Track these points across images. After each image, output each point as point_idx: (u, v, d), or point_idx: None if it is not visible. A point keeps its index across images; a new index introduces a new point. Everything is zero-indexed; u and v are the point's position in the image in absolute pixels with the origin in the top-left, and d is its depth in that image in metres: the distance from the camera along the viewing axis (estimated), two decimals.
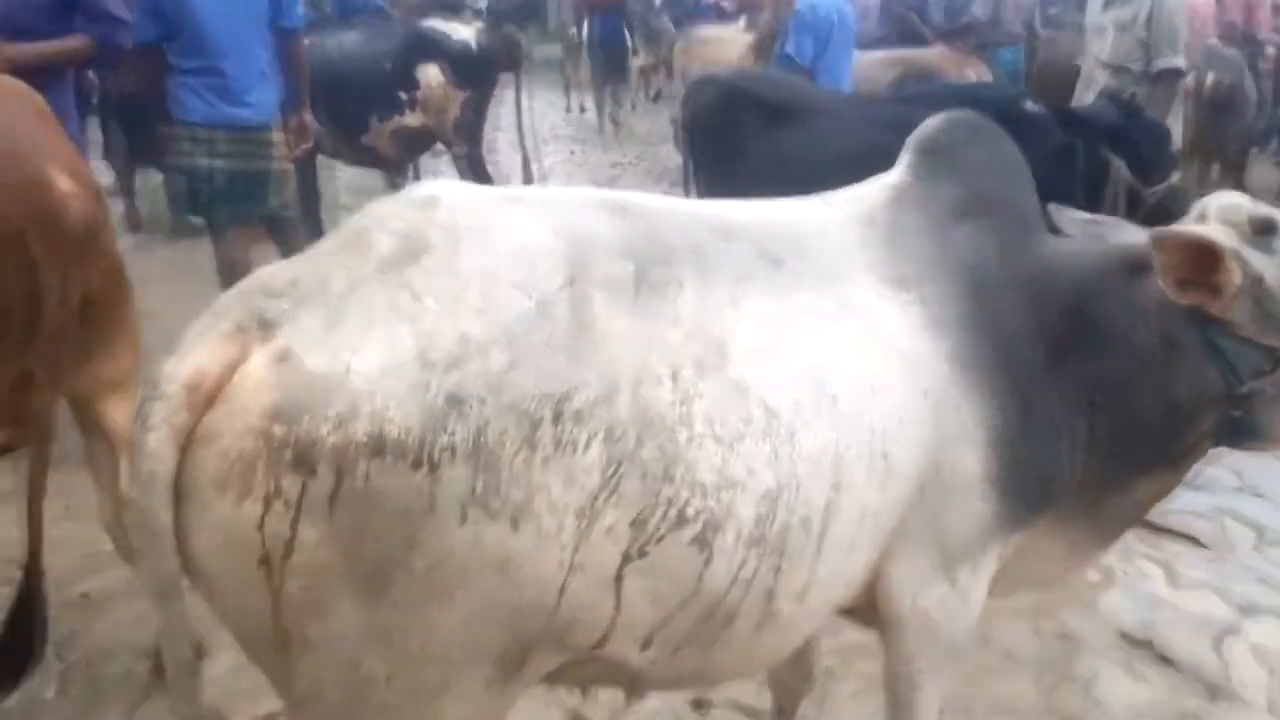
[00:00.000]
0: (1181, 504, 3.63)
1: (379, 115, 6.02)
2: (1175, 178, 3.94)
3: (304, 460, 1.13)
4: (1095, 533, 1.89)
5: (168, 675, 1.30)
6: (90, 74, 5.51)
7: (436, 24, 6.31)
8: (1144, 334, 1.72)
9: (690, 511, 1.31)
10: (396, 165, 6.41)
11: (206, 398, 1.16)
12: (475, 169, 6.16)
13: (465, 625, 1.23)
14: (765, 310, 1.47)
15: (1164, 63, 4.58)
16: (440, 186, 1.41)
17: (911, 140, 1.82)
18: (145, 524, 1.17)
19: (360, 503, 1.14)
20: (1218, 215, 1.71)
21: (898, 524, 1.57)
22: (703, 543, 1.33)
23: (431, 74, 6.03)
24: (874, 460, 1.49)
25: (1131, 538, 3.39)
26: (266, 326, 1.19)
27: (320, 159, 6.18)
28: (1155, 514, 3.39)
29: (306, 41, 4.68)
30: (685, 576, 1.34)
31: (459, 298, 1.22)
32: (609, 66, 12.83)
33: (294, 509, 1.14)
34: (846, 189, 1.79)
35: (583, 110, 14.42)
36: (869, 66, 7.27)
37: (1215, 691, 2.67)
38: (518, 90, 6.93)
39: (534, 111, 14.05)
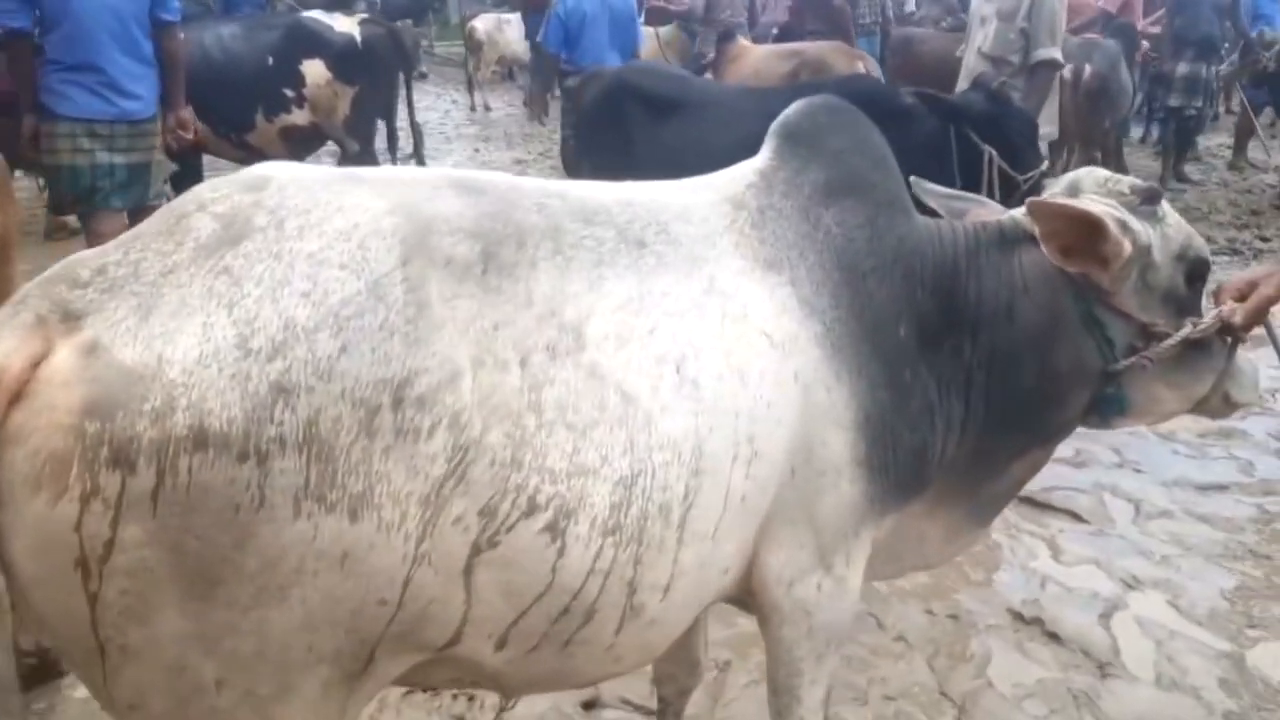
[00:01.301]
0: (1062, 481, 3.73)
1: (265, 113, 5.87)
2: (1044, 165, 4.02)
3: (122, 457, 1.07)
4: (973, 514, 1.89)
5: None
6: None
7: (317, 15, 6.17)
8: (1023, 309, 1.71)
9: (541, 499, 1.28)
10: None
11: (8, 394, 1.09)
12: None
13: (303, 625, 1.18)
14: (626, 293, 1.43)
15: (1042, 54, 4.65)
16: (275, 167, 1.34)
17: (774, 126, 1.79)
18: None
19: (185, 499, 1.09)
20: (1094, 188, 1.72)
21: (770, 509, 1.55)
22: (555, 531, 1.29)
23: (316, 69, 5.89)
24: (739, 446, 1.46)
25: (1016, 515, 3.44)
26: (71, 318, 1.13)
27: (206, 159, 5.99)
28: (1038, 491, 3.51)
29: (184, 36, 4.62)
30: (538, 567, 1.30)
31: (283, 282, 1.16)
32: (543, 63, 12.98)
33: (114, 508, 1.08)
34: (710, 175, 1.76)
35: (487, 109, 14.30)
36: (762, 60, 7.33)
37: (1104, 668, 2.70)
38: (408, 87, 6.84)
39: (437, 110, 13.91)
